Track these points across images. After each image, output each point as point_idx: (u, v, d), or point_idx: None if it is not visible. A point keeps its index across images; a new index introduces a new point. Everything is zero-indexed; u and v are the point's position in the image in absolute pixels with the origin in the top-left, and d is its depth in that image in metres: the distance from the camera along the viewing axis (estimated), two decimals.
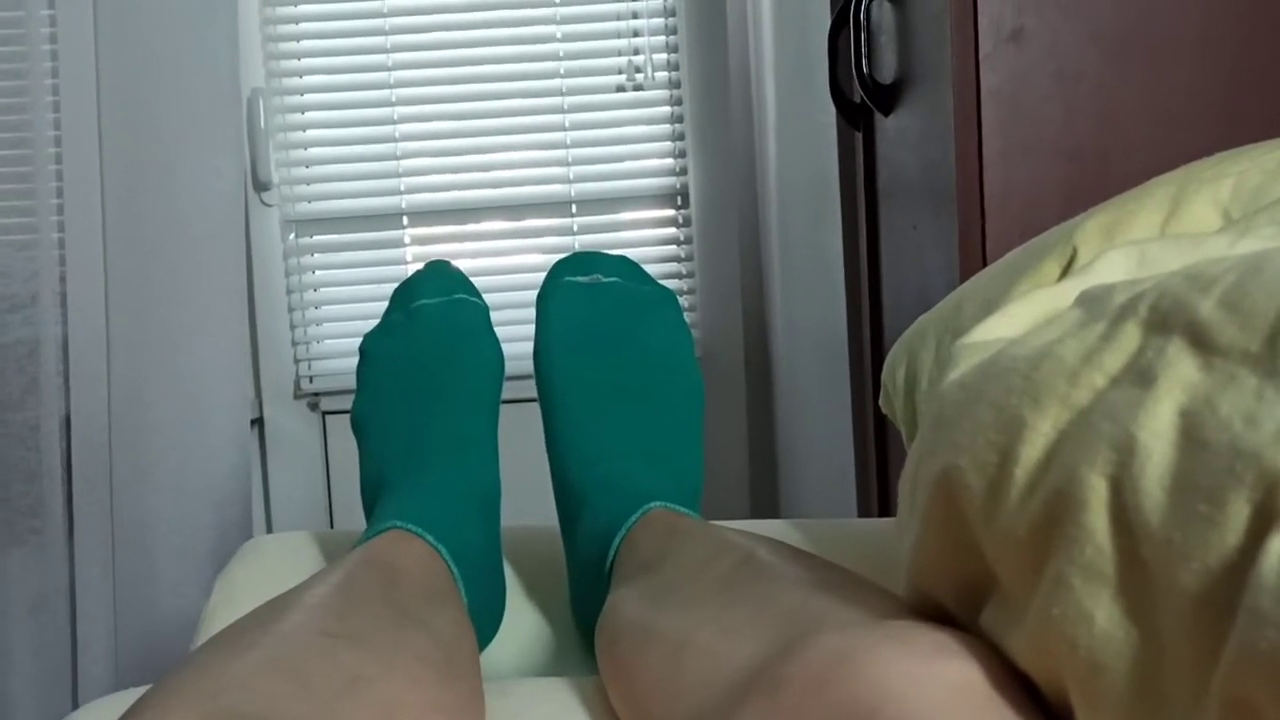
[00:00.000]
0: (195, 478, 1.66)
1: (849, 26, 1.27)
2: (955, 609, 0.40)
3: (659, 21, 1.97)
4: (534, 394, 0.76)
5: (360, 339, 0.80)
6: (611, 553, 0.64)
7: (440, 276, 0.82)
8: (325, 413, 1.98)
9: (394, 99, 1.96)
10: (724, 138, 1.96)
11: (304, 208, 1.97)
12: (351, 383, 0.79)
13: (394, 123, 1.97)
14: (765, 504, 1.98)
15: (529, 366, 0.77)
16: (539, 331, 0.77)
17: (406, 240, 1.99)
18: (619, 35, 1.97)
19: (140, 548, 1.66)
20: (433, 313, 0.78)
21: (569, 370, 0.74)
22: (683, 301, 1.97)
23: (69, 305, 1.65)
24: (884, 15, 1.24)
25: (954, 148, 0.99)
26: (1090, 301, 0.39)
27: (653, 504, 0.65)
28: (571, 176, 1.98)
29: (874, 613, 0.41)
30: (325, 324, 1.99)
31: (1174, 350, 0.32)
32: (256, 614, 0.51)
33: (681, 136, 1.98)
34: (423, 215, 1.98)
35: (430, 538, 0.64)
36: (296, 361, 1.99)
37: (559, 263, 0.82)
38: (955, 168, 0.99)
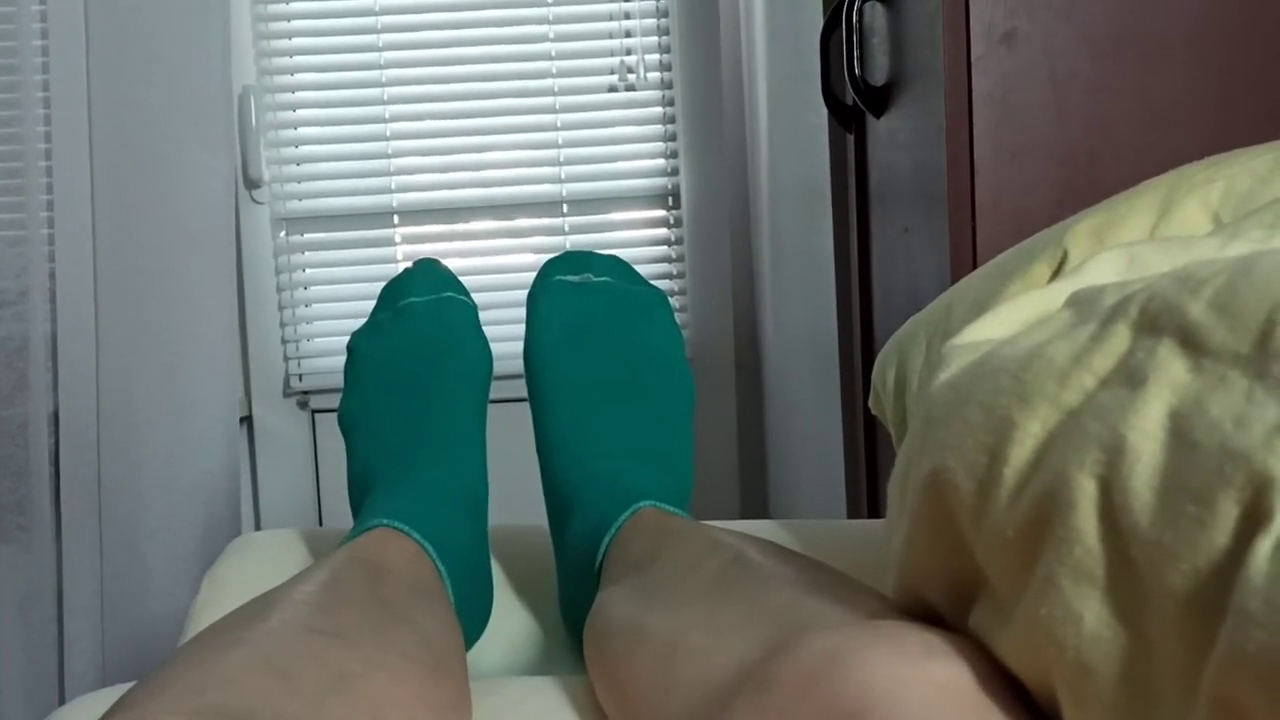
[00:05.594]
0: (184, 475, 1.66)
1: (841, 28, 1.27)
2: (944, 609, 0.40)
3: (651, 22, 1.97)
4: (524, 393, 0.76)
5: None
6: (601, 552, 0.64)
7: (429, 275, 0.82)
8: (315, 411, 1.97)
9: (385, 97, 1.96)
10: (716, 138, 1.96)
11: (295, 205, 1.97)
12: (341, 381, 0.79)
13: (385, 121, 1.96)
14: (755, 504, 1.98)
15: (519, 366, 0.77)
16: (529, 330, 0.77)
17: (397, 239, 1.98)
18: (611, 35, 1.97)
19: (128, 545, 1.65)
20: (421, 311, 0.78)
21: (559, 370, 0.74)
22: (674, 302, 1.97)
23: (58, 302, 1.65)
24: (876, 17, 1.24)
25: (945, 150, 0.99)
26: (1080, 303, 0.39)
27: (643, 503, 0.65)
28: (563, 176, 1.98)
29: (864, 613, 0.41)
30: (315, 322, 1.98)
31: (1164, 351, 0.32)
32: (243, 611, 0.51)
33: (673, 137, 1.98)
34: (413, 214, 1.98)
35: (417, 535, 0.63)
36: (286, 359, 1.98)
37: (550, 262, 0.82)
38: (947, 170, 0.99)
